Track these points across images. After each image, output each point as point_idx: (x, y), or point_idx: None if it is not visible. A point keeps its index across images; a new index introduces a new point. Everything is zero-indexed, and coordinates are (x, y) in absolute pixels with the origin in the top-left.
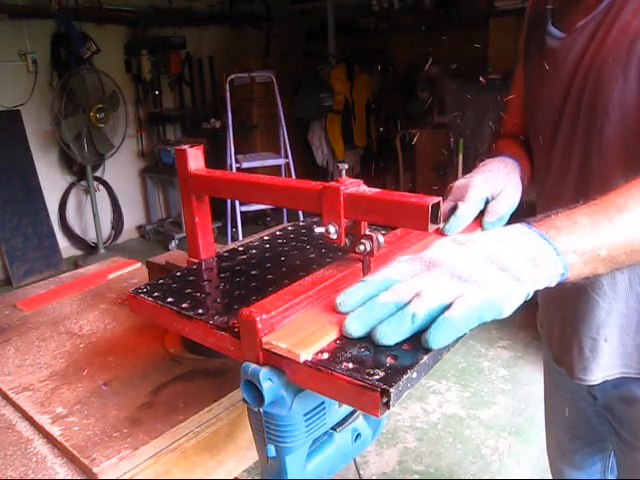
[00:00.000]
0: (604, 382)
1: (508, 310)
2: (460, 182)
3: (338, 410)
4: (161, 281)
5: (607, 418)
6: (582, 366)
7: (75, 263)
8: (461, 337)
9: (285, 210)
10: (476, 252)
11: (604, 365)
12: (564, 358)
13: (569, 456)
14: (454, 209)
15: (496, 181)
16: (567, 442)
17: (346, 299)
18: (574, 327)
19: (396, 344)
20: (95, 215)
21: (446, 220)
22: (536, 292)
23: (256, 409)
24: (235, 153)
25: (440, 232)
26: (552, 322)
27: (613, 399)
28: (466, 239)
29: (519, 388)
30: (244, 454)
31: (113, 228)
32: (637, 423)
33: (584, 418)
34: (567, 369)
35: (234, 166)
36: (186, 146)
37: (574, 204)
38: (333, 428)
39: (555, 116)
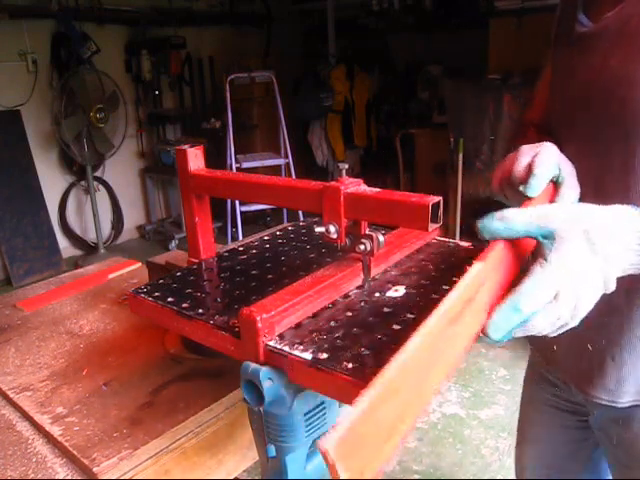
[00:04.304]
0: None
1: None
2: (525, 147)
3: (338, 410)
4: (161, 281)
5: (601, 436)
6: (587, 379)
7: (75, 263)
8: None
9: (285, 210)
10: (599, 275)
11: (612, 389)
12: (571, 367)
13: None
14: (530, 169)
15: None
16: (554, 460)
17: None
18: (584, 334)
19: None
20: (95, 215)
21: (524, 180)
22: None
23: (256, 409)
24: (235, 153)
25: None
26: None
27: (606, 419)
28: (602, 247)
29: (519, 388)
30: (244, 454)
31: (113, 228)
32: (631, 446)
33: (570, 437)
34: (573, 379)
35: (234, 166)
36: (186, 146)
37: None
38: None
39: (573, 113)
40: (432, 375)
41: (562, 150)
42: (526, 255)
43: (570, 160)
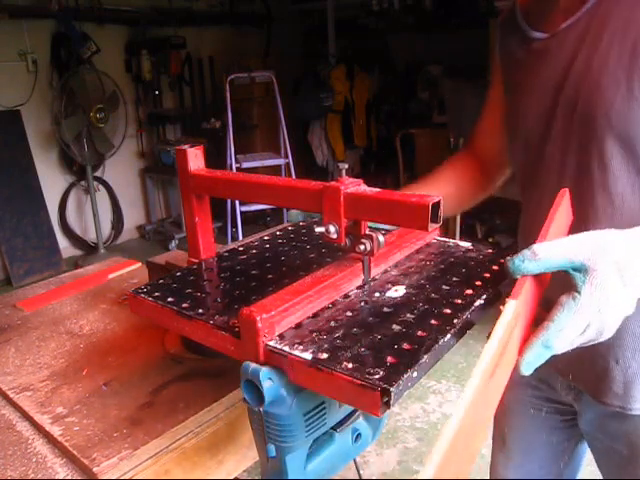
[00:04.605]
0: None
1: None
2: None
3: (338, 410)
4: (161, 281)
5: (594, 434)
6: (594, 385)
7: (75, 263)
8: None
9: (285, 210)
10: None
11: (620, 393)
12: (576, 374)
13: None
14: None
15: None
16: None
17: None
18: None
19: None
20: (95, 215)
21: None
22: None
23: (256, 409)
24: (235, 153)
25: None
26: None
27: (603, 415)
28: (631, 279)
29: None
30: (244, 454)
31: (113, 228)
32: (635, 437)
33: (556, 438)
34: (580, 386)
35: (234, 166)
36: (186, 146)
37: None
38: (333, 428)
39: (543, 124)
40: (477, 437)
41: (529, 171)
42: (546, 281)
43: (540, 179)
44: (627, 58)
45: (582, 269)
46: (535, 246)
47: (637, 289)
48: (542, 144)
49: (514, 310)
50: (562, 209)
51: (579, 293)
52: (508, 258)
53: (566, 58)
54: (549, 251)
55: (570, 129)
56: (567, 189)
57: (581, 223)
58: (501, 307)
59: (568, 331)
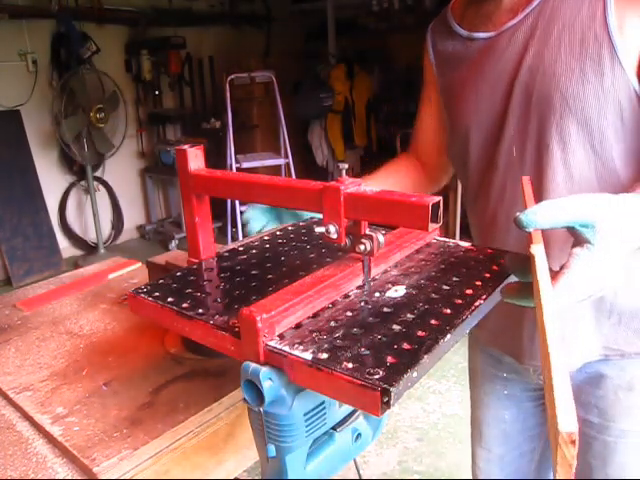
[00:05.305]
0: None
1: None
2: None
3: (338, 410)
4: (161, 281)
5: None
6: (566, 352)
7: (75, 263)
8: None
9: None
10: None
11: (583, 349)
12: (538, 353)
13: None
14: None
15: None
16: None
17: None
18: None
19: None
20: (95, 215)
21: None
22: None
23: (256, 409)
24: (235, 153)
25: None
26: (518, 320)
27: (576, 385)
28: (626, 237)
29: None
30: (244, 454)
31: (113, 228)
32: (605, 402)
33: (531, 423)
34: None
35: (234, 166)
36: (186, 146)
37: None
38: (333, 428)
39: (499, 112)
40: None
41: (483, 161)
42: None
43: (498, 165)
44: (578, 48)
45: (590, 225)
46: (544, 202)
47: (633, 245)
48: (499, 131)
49: (543, 252)
50: (529, 193)
51: (592, 244)
52: (518, 213)
53: (517, 51)
54: (558, 207)
55: (527, 113)
56: (529, 177)
57: (545, 196)
58: (531, 250)
59: (586, 278)
